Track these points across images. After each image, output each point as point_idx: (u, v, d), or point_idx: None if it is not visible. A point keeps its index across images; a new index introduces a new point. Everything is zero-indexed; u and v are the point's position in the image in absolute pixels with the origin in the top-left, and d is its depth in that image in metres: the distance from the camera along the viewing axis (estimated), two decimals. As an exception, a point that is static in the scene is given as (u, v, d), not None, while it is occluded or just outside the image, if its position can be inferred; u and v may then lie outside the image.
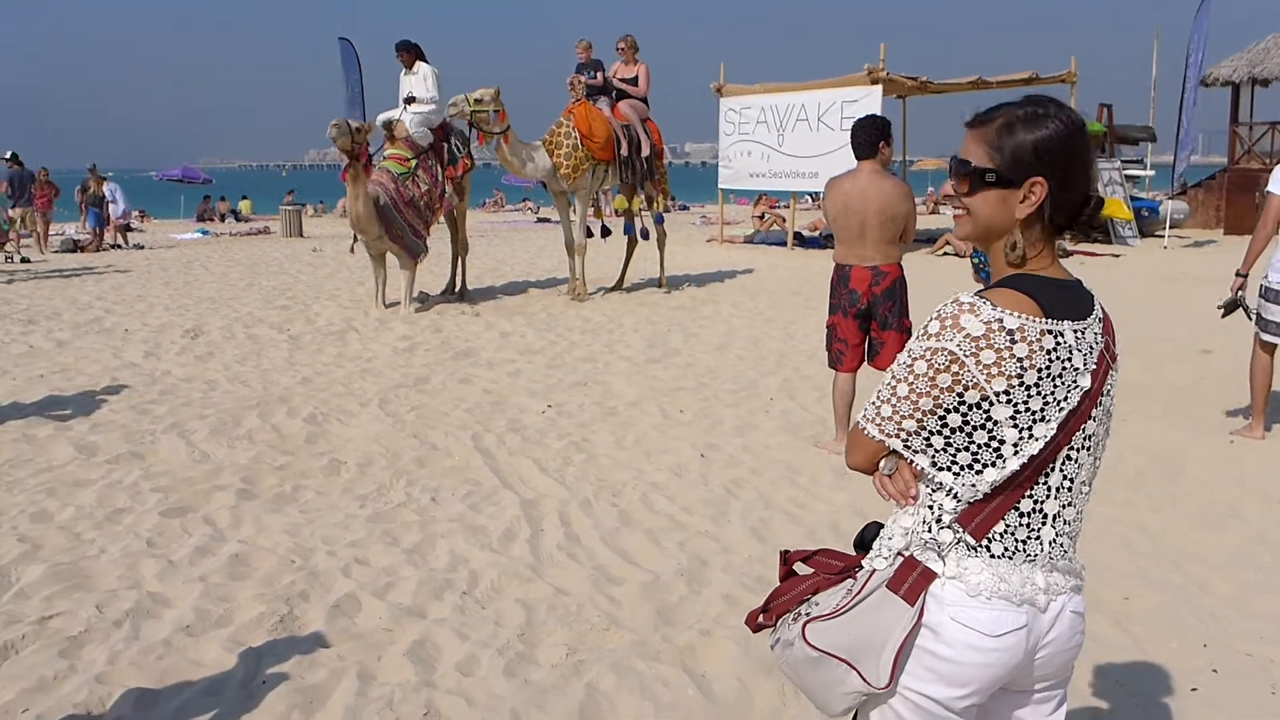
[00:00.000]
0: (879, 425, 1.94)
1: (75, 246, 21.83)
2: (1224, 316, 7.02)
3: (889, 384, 1.93)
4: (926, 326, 1.89)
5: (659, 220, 14.42)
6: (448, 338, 10.77)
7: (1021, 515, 1.92)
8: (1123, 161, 24.20)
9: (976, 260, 6.38)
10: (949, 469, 1.91)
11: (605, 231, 14.50)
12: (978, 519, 1.90)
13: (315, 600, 4.42)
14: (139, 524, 5.28)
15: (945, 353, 1.84)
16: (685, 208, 41.99)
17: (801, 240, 21.81)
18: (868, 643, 1.89)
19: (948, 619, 1.89)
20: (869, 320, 6.48)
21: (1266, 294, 6.75)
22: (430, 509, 5.58)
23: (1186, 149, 22.71)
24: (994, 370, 1.83)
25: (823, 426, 7.15)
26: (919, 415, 1.89)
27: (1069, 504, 1.96)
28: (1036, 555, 1.93)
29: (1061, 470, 1.93)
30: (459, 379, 8.75)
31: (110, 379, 8.61)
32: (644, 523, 5.40)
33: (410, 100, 12.58)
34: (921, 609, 1.90)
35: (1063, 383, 1.87)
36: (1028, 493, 1.91)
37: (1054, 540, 1.94)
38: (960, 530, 1.91)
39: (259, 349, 10.05)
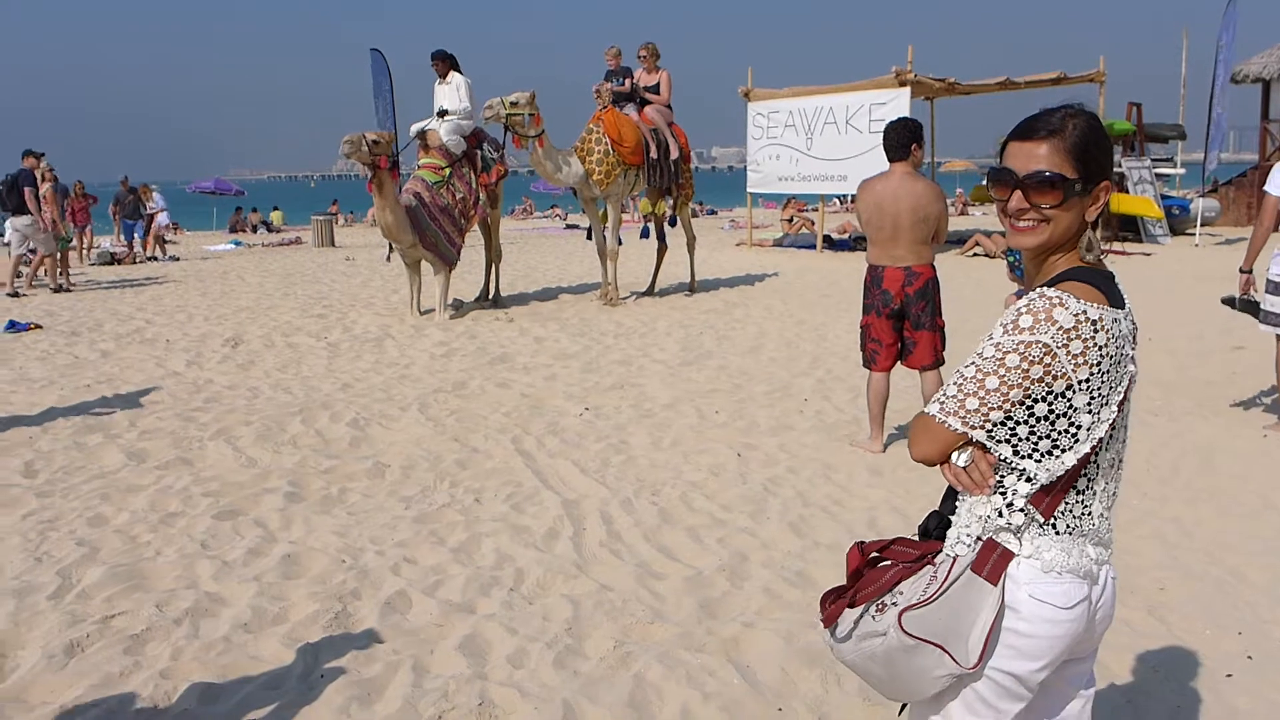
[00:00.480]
0: (963, 418, 2.01)
1: (112, 259, 22.15)
2: (1236, 309, 7.19)
3: (973, 378, 2.00)
4: (1017, 321, 1.96)
5: (673, 223, 14.67)
6: (483, 343, 10.91)
7: (1078, 493, 2.05)
8: (1153, 160, 24.11)
9: (1012, 259, 6.44)
10: (1030, 456, 2.01)
11: (645, 233, 14.95)
12: (1046, 500, 2.02)
13: (367, 598, 4.55)
14: (192, 527, 5.43)
15: (1040, 345, 1.93)
16: (713, 212, 42.09)
17: (831, 243, 21.84)
18: (957, 625, 2.00)
19: (1025, 596, 2.00)
20: (902, 320, 6.55)
21: (1270, 288, 6.81)
22: (474, 509, 5.70)
23: (1217, 146, 22.60)
24: (1080, 360, 1.94)
25: (857, 426, 7.23)
26: (1007, 406, 1.98)
27: (1112, 478, 2.10)
28: (1089, 529, 2.05)
29: (1107, 449, 2.06)
30: (496, 383, 8.88)
31: (155, 388, 8.79)
32: (684, 520, 5.50)
33: (443, 114, 12.72)
34: (1003, 589, 2.01)
35: (1121, 368, 2.00)
36: (1083, 471, 2.04)
37: (1101, 514, 2.08)
38: (1033, 511, 2.02)
39: (299, 357, 10.23)
